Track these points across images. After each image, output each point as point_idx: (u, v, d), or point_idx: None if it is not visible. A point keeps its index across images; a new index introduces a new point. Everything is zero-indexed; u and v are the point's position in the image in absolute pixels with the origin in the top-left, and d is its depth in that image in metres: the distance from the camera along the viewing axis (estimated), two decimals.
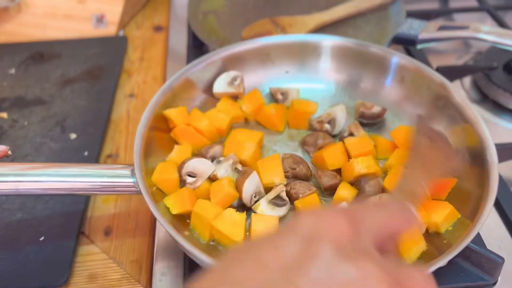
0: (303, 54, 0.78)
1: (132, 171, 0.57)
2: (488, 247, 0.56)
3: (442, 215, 0.56)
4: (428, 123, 0.61)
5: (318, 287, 0.29)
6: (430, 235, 0.57)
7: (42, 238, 0.61)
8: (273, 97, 0.76)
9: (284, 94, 0.74)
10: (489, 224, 0.62)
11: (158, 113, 0.66)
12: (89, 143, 0.74)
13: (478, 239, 0.58)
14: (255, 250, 0.32)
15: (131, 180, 0.57)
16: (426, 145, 0.53)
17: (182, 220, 0.58)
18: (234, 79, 0.73)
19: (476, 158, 0.61)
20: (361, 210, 0.35)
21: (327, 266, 0.30)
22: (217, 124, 0.69)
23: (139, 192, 0.55)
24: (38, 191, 0.56)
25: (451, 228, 0.57)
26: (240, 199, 0.59)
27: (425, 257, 0.54)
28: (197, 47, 0.90)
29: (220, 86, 0.73)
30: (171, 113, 0.67)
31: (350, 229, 0.32)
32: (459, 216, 0.57)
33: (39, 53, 0.93)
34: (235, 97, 0.74)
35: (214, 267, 0.32)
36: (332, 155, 0.64)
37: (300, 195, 0.60)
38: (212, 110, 0.71)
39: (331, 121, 0.70)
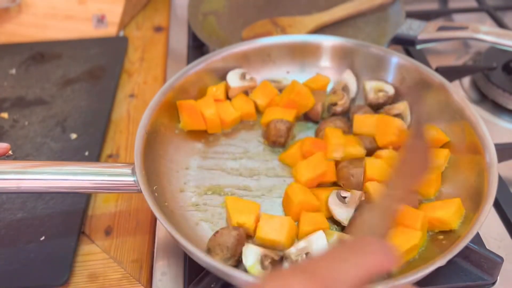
0: (303, 55, 0.78)
1: (133, 169, 0.57)
2: (487, 247, 0.57)
3: (450, 212, 0.56)
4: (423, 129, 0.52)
5: None
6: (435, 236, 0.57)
7: (42, 238, 0.61)
8: None
9: (281, 90, 0.75)
10: (489, 224, 0.62)
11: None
12: (89, 143, 0.74)
13: (477, 239, 0.58)
14: None
15: (131, 178, 0.57)
16: (416, 153, 0.48)
17: None
18: (243, 74, 0.74)
19: (476, 158, 0.61)
20: (329, 264, 0.32)
21: None
22: (224, 115, 0.70)
23: (139, 191, 0.56)
24: (40, 189, 0.57)
25: (461, 222, 0.56)
26: None
27: (425, 257, 0.55)
28: (197, 48, 0.91)
29: (235, 81, 0.73)
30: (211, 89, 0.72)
31: None
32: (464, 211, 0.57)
33: (39, 54, 0.93)
34: (245, 92, 0.74)
35: None
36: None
37: None
38: (225, 102, 0.71)
39: (345, 88, 0.72)
